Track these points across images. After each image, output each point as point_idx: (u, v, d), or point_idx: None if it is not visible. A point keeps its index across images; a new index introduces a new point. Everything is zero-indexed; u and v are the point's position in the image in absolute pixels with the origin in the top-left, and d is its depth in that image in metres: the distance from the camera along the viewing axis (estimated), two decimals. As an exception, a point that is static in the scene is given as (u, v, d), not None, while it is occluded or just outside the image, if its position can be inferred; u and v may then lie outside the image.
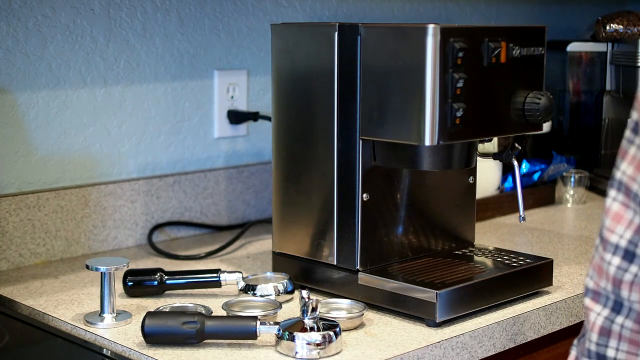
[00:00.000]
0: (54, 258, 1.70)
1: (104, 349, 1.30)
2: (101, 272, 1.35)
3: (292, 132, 1.50)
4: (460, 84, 1.32)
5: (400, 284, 1.38)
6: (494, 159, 1.55)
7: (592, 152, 2.37)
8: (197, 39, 1.87)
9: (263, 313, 1.35)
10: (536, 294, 1.49)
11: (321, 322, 1.26)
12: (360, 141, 1.41)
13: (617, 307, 0.98)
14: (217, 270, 1.49)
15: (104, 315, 1.36)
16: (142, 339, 1.28)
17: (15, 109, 1.65)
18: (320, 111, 1.45)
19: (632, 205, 0.95)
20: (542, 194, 2.16)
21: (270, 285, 1.46)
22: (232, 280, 1.48)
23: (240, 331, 1.26)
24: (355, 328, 1.34)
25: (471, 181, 1.59)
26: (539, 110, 1.41)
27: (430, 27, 1.29)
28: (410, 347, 1.28)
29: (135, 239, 1.81)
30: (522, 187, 1.60)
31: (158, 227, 1.83)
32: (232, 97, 1.94)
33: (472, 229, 1.60)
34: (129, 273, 1.49)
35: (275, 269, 1.55)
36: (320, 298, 1.36)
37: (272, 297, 1.44)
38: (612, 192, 0.98)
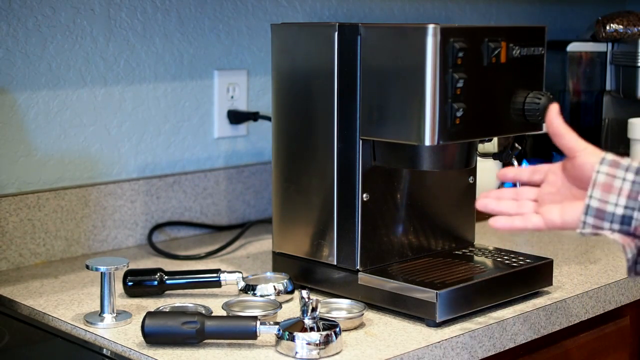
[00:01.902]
0: (54, 258, 1.70)
1: (104, 349, 1.30)
2: (101, 272, 1.35)
3: (292, 132, 1.50)
4: (460, 84, 1.32)
5: (400, 284, 1.38)
6: (494, 159, 1.55)
7: (592, 152, 2.36)
8: (197, 39, 1.87)
9: (263, 313, 1.35)
10: (536, 294, 1.49)
11: (321, 322, 1.26)
12: (360, 141, 1.41)
13: None
14: (217, 270, 1.49)
15: (104, 315, 1.36)
16: (142, 339, 1.28)
17: (15, 109, 1.65)
18: (320, 111, 1.45)
19: None
20: (542, 194, 2.16)
21: (270, 285, 1.46)
22: (232, 280, 1.48)
23: (240, 331, 1.26)
24: (355, 328, 1.34)
25: (471, 181, 1.59)
26: (539, 110, 1.41)
27: (430, 27, 1.29)
28: (410, 347, 1.28)
29: (135, 239, 1.81)
30: (522, 187, 1.60)
31: (158, 227, 1.83)
32: (232, 97, 1.94)
33: (472, 229, 1.60)
34: (129, 273, 1.49)
35: (275, 269, 1.55)
36: (320, 298, 1.36)
37: (272, 297, 1.44)
38: None
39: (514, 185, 1.32)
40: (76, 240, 1.72)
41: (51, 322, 1.40)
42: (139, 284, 1.48)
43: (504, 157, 1.53)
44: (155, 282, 1.48)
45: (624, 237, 1.14)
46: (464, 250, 1.56)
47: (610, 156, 1.15)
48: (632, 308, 1.66)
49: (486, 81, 1.37)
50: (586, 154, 1.18)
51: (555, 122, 1.21)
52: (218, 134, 1.93)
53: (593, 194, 1.14)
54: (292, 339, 1.23)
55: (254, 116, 1.95)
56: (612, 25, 2.26)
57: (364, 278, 1.42)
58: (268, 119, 1.91)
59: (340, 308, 1.39)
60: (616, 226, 1.13)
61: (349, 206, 1.43)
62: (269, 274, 1.52)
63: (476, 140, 1.43)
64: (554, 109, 1.22)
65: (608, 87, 2.32)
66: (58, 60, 1.69)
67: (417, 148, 1.38)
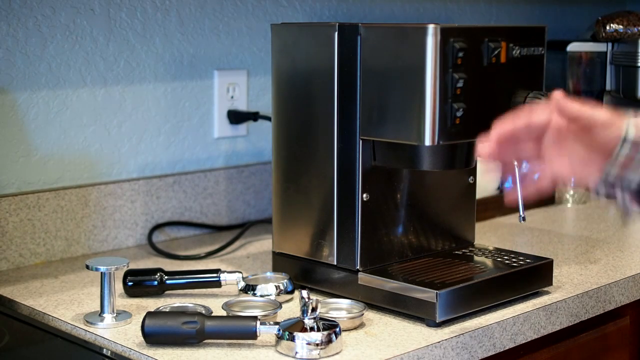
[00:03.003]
0: (54, 258, 1.70)
1: (104, 349, 1.30)
2: (101, 272, 1.35)
3: (292, 132, 1.50)
4: (460, 84, 1.32)
5: (400, 284, 1.38)
6: (494, 159, 1.55)
7: (592, 152, 2.36)
8: (197, 39, 1.87)
9: (263, 313, 1.35)
10: (536, 294, 1.49)
11: (321, 322, 1.26)
12: (360, 141, 1.41)
13: None
14: (217, 270, 1.49)
15: (104, 315, 1.37)
16: (142, 339, 1.28)
17: (15, 109, 1.65)
18: (320, 111, 1.45)
19: None
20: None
21: (270, 285, 1.46)
22: (232, 280, 1.48)
23: (240, 331, 1.26)
24: (355, 328, 1.34)
25: (471, 181, 1.59)
26: (539, 110, 1.41)
27: (430, 27, 1.29)
28: (410, 347, 1.28)
29: (135, 239, 1.81)
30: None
31: (158, 227, 1.83)
32: (232, 97, 1.94)
33: (472, 229, 1.60)
34: (129, 273, 1.49)
35: (275, 269, 1.55)
36: (320, 298, 1.36)
37: (272, 297, 1.44)
38: None
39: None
40: (76, 240, 1.72)
41: (51, 322, 1.40)
42: (139, 284, 1.48)
43: (504, 157, 1.53)
44: (155, 282, 1.48)
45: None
46: (464, 250, 1.56)
47: (631, 133, 1.13)
48: (632, 308, 1.66)
49: (486, 81, 1.37)
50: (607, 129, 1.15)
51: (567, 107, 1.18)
52: (218, 134, 1.93)
53: (611, 171, 1.14)
54: (292, 339, 1.23)
55: (254, 116, 1.95)
56: (612, 25, 2.26)
57: (364, 278, 1.42)
58: (268, 119, 1.91)
59: (340, 308, 1.39)
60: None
61: (349, 206, 1.43)
62: (269, 274, 1.53)
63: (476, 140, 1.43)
64: (557, 94, 1.18)
65: (608, 87, 2.32)
66: (58, 60, 1.69)
67: (417, 148, 1.38)
